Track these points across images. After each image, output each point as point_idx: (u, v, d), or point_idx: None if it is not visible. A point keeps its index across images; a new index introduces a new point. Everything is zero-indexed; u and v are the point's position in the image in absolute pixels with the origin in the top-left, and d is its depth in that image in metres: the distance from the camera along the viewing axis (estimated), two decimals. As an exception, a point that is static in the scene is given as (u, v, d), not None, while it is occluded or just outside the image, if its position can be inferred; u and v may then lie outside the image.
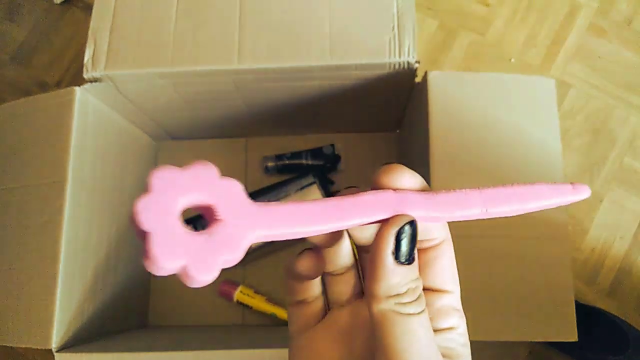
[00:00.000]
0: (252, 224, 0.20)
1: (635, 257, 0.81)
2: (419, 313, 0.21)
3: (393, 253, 0.21)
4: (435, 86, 0.57)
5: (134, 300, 0.78)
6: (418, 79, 0.62)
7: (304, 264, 0.24)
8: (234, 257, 0.19)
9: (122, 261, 0.73)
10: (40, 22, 0.99)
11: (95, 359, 0.54)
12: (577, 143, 0.85)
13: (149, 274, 0.81)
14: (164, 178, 0.19)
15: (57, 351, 0.55)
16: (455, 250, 0.52)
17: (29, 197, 0.59)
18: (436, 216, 0.22)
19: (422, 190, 0.23)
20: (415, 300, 0.21)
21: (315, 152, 0.84)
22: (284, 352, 0.53)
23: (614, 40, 0.89)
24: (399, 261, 0.21)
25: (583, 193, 0.23)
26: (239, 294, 0.77)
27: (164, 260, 0.18)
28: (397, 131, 0.85)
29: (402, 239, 0.21)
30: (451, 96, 0.57)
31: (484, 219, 0.23)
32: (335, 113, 0.77)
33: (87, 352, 0.55)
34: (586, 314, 0.64)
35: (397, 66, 0.59)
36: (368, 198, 0.21)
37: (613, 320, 0.71)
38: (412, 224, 0.21)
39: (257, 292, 0.78)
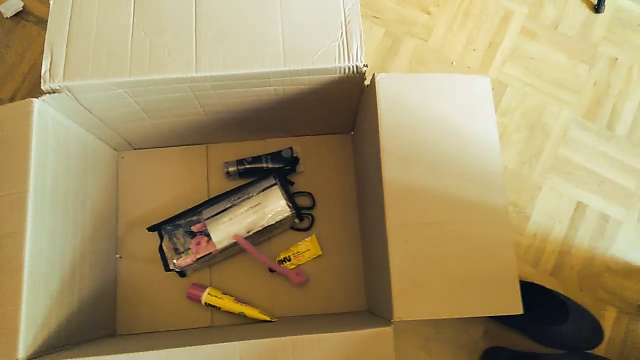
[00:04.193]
0: None
1: (573, 239, 0.88)
2: None
3: None
4: (382, 87, 0.62)
5: (101, 309, 0.78)
6: (367, 82, 0.67)
7: None
8: None
9: (88, 270, 0.73)
10: (-10, 37, 0.98)
11: (62, 366, 0.55)
12: (515, 137, 0.92)
13: (115, 282, 0.82)
14: None
15: (24, 361, 0.55)
16: (405, 237, 0.57)
17: (-10, 209, 0.60)
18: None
19: None
20: None
21: (275, 156, 0.87)
22: (253, 344, 0.55)
23: (544, 42, 0.97)
24: None
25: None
26: (207, 296, 0.79)
27: None
28: (351, 132, 0.89)
29: None
30: (398, 96, 0.62)
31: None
32: (292, 117, 0.80)
33: (55, 360, 0.55)
34: (530, 291, 0.70)
35: (346, 70, 0.63)
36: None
37: (553, 294, 0.77)
38: None
39: (225, 293, 0.80)
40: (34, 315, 0.58)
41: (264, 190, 0.80)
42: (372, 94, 0.63)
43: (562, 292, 0.80)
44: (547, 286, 0.79)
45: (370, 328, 0.56)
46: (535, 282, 0.81)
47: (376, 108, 0.61)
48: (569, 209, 0.90)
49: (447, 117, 0.62)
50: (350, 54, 0.62)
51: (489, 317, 0.83)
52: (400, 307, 0.56)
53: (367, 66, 0.63)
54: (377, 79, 0.62)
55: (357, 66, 0.63)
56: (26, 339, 0.56)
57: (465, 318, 0.83)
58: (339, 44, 0.63)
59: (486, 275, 0.58)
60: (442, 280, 0.57)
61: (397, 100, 0.62)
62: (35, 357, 0.57)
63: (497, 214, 0.60)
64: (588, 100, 0.94)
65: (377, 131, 0.61)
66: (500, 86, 0.94)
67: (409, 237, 0.58)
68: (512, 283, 0.58)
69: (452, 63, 0.96)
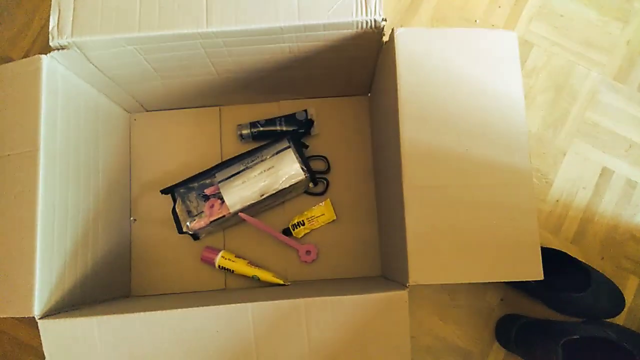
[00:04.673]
0: None
1: (597, 207, 0.85)
2: None
3: None
4: (401, 43, 0.59)
5: (116, 270, 0.78)
6: (386, 39, 0.63)
7: None
8: None
9: (102, 232, 0.73)
10: (0, -4, 0.96)
11: (77, 323, 0.55)
12: (540, 100, 0.88)
13: (129, 244, 0.82)
14: None
15: (39, 318, 0.55)
16: (422, 200, 0.55)
17: (2, 168, 0.59)
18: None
19: None
20: None
21: (289, 118, 0.84)
22: (265, 305, 0.55)
23: (574, -2, 0.91)
24: None
25: None
26: (220, 259, 0.79)
27: None
28: (368, 94, 0.86)
29: None
30: (418, 52, 0.59)
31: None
32: (306, 78, 0.78)
33: (70, 318, 0.56)
34: (551, 257, 0.68)
35: (364, 24, 0.60)
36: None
37: (575, 261, 0.75)
38: None
39: (238, 256, 0.80)
40: (48, 273, 0.58)
41: (277, 153, 0.79)
42: (390, 50, 0.60)
43: (583, 260, 0.78)
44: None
45: (385, 292, 0.55)
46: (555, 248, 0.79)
47: (395, 64, 0.58)
48: (593, 175, 0.86)
49: (470, 75, 0.58)
50: (368, 8, 0.59)
51: (505, 283, 0.82)
52: (416, 271, 0.54)
53: (385, 20, 0.60)
54: (396, 33, 0.59)
55: (375, 20, 0.59)
56: (41, 296, 0.56)
57: (482, 285, 0.82)
58: (356, -4, 0.59)
59: (506, 239, 0.56)
60: (459, 243, 0.55)
61: (417, 56, 0.58)
62: (50, 315, 0.57)
63: (519, 176, 0.57)
64: (619, 60, 0.89)
65: (396, 89, 0.58)
66: (526, 45, 0.89)
67: (427, 200, 0.56)
68: (532, 248, 0.56)
69: (476, 21, 0.91)
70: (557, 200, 0.85)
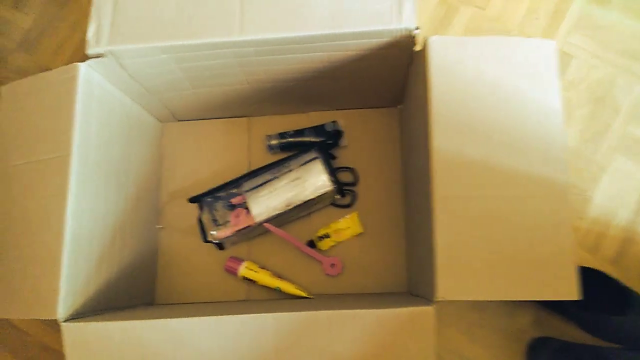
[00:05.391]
0: None
1: (639, 226, 0.80)
2: None
3: None
4: (435, 51, 0.57)
5: (141, 278, 0.79)
6: (418, 48, 0.62)
7: None
8: None
9: (129, 239, 0.74)
10: (46, 9, 1.00)
11: (99, 328, 0.56)
12: (578, 114, 0.84)
13: (156, 252, 0.83)
14: None
15: (63, 321, 0.56)
16: (452, 211, 0.53)
17: (34, 172, 0.61)
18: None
19: None
20: None
21: (318, 129, 0.84)
22: (287, 316, 0.54)
23: (616, 8, 0.88)
24: None
25: None
26: (244, 269, 0.78)
27: None
28: (398, 107, 0.85)
29: None
30: (451, 61, 0.57)
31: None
32: (336, 88, 0.77)
33: (91, 322, 0.56)
34: (588, 276, 0.64)
35: (397, 33, 0.59)
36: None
37: (614, 281, 0.70)
38: None
39: (262, 267, 0.79)
40: (74, 277, 0.59)
41: (305, 163, 0.78)
42: (423, 58, 0.59)
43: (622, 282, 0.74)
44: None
45: (411, 306, 0.53)
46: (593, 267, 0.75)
47: (427, 73, 0.57)
48: (635, 193, 0.82)
49: (505, 84, 0.56)
50: (402, 16, 0.58)
51: (538, 303, 0.78)
52: (444, 286, 0.52)
53: (419, 29, 0.59)
54: (429, 42, 0.58)
55: (408, 29, 0.58)
56: (65, 300, 0.56)
57: (513, 304, 0.78)
58: (390, 5, 0.59)
59: (540, 254, 0.53)
60: (490, 258, 0.53)
61: (451, 64, 0.57)
62: (74, 319, 0.58)
63: (555, 189, 0.54)
64: (664, 74, 0.85)
65: (427, 98, 0.56)
66: (564, 57, 0.86)
67: (457, 211, 0.54)
68: (568, 264, 0.53)
69: (511, 33, 0.89)
70: (596, 218, 0.81)
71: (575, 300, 0.51)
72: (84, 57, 0.62)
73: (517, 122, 0.56)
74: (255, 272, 0.78)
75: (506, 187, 0.54)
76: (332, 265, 0.79)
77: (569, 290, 0.52)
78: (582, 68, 0.86)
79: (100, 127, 0.66)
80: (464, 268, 0.53)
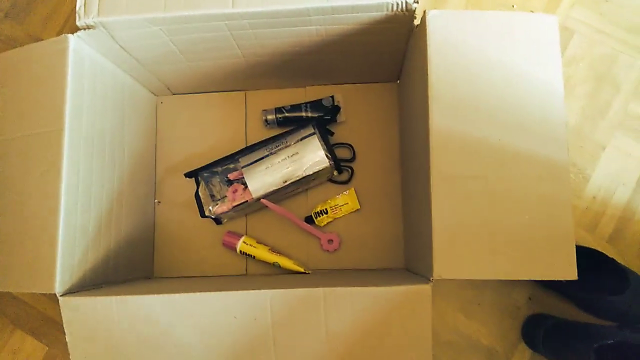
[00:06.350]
0: None
1: (638, 205, 0.80)
2: None
3: None
4: (434, 26, 0.56)
5: (138, 252, 0.79)
6: (417, 22, 0.61)
7: None
8: None
9: (126, 213, 0.74)
10: (34, -23, 0.97)
11: (97, 302, 0.56)
12: (580, 90, 0.83)
13: (153, 227, 0.83)
14: None
15: (60, 295, 0.56)
16: (450, 190, 0.52)
17: (27, 146, 0.60)
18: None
19: None
20: None
21: (315, 104, 0.83)
22: (284, 293, 0.54)
23: (622, -19, 0.86)
24: None
25: None
26: (242, 244, 0.78)
27: None
28: (397, 81, 0.84)
29: None
30: (450, 36, 0.56)
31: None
32: (334, 63, 0.76)
33: (90, 296, 0.56)
34: (585, 256, 0.64)
35: (394, 7, 0.57)
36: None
37: (612, 261, 0.71)
38: None
39: (260, 242, 0.79)
40: (71, 251, 0.59)
41: (302, 139, 0.77)
42: (421, 33, 0.57)
43: (619, 261, 0.74)
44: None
45: (408, 285, 0.53)
46: (590, 247, 0.75)
47: (426, 48, 0.55)
48: (635, 171, 0.81)
49: (505, 61, 0.55)
50: (399, -12, 0.56)
51: (534, 281, 0.78)
52: (441, 265, 0.52)
53: (417, 2, 0.57)
54: (428, 16, 0.56)
55: (406, 2, 0.57)
56: (63, 274, 0.56)
57: (509, 282, 0.79)
58: (387, -24, 0.57)
59: (538, 235, 0.53)
60: (488, 237, 0.53)
61: (450, 40, 0.55)
62: (72, 293, 0.58)
63: (555, 169, 0.54)
64: (669, 49, 0.84)
65: (426, 74, 0.55)
66: (566, 33, 0.84)
67: (455, 190, 0.53)
68: (567, 245, 0.53)
69: (513, 6, 0.86)
70: (594, 197, 0.81)
71: (573, 280, 0.51)
72: (75, 27, 0.61)
73: (518, 101, 0.55)
74: (254, 247, 0.78)
75: (505, 166, 0.54)
76: (330, 241, 0.79)
77: (568, 270, 0.52)
78: (584, 43, 0.84)
79: (93, 100, 0.65)
80: (462, 247, 0.53)
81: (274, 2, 0.58)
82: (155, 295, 0.56)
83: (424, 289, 0.53)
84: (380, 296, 0.53)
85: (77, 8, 0.60)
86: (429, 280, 0.53)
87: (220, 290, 0.56)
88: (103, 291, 0.60)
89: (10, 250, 0.58)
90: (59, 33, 0.94)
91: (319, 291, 0.53)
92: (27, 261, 0.57)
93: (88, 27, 0.61)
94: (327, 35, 0.66)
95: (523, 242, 0.53)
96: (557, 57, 0.56)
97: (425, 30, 0.56)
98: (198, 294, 0.55)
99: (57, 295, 0.56)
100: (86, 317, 0.55)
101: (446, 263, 0.52)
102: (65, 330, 0.55)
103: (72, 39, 0.60)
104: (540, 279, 0.72)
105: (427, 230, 0.54)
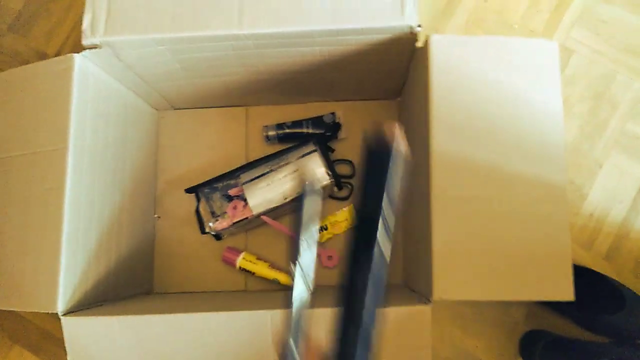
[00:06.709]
0: None
1: (634, 222, 0.81)
2: None
3: None
4: (436, 49, 0.57)
5: (139, 268, 0.79)
6: (420, 44, 0.62)
7: None
8: None
9: (126, 230, 0.74)
10: (37, -9, 0.98)
11: (99, 322, 0.56)
12: (578, 110, 0.84)
13: (153, 242, 0.83)
14: None
15: (62, 315, 0.56)
16: (450, 211, 0.53)
17: (31, 165, 0.60)
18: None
19: None
20: None
21: (316, 121, 0.83)
22: (284, 314, 0.54)
23: (619, 2, 0.87)
24: None
25: None
26: (242, 260, 0.79)
27: None
28: (398, 99, 0.84)
29: None
30: (453, 59, 0.57)
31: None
32: (335, 80, 0.76)
33: (92, 316, 0.56)
34: (582, 275, 0.65)
35: (398, 30, 0.58)
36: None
37: (608, 280, 0.72)
38: None
39: (259, 258, 0.80)
40: (73, 269, 0.59)
41: (303, 156, 0.78)
42: (424, 56, 0.58)
43: (615, 278, 0.75)
44: (600, 271, 0.74)
45: (408, 305, 0.54)
46: (587, 266, 0.76)
47: (428, 72, 0.56)
48: (631, 189, 0.82)
49: (506, 85, 0.56)
50: (403, 13, 0.57)
51: (533, 299, 0.79)
52: (441, 286, 0.53)
53: (421, 26, 0.58)
54: (431, 40, 0.57)
55: (410, 26, 0.58)
56: (65, 293, 0.57)
57: (508, 299, 0.80)
58: (391, 1, 0.58)
59: (536, 256, 0.54)
60: (488, 259, 0.53)
61: (452, 64, 0.56)
62: (73, 311, 0.58)
63: (554, 191, 0.55)
64: (664, 70, 0.85)
65: (427, 96, 0.56)
66: (565, 52, 0.86)
67: (455, 211, 0.54)
68: (564, 266, 0.53)
69: (514, 26, 0.88)
70: (591, 214, 0.82)
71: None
72: (78, 41, 0.61)
73: (518, 123, 0.56)
74: (254, 263, 0.78)
75: (504, 187, 0.54)
76: (329, 257, 0.80)
77: (565, 291, 0.53)
78: (583, 63, 0.86)
79: (96, 117, 0.65)
80: (461, 268, 0.53)
81: (280, 23, 0.59)
82: (157, 315, 0.56)
83: (424, 310, 0.53)
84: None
85: (83, 27, 0.61)
86: (429, 300, 0.53)
87: (221, 309, 0.56)
88: (104, 310, 0.60)
89: (13, 268, 0.59)
90: (62, 46, 0.95)
91: (320, 312, 0.54)
92: (29, 280, 0.57)
93: (94, 47, 0.61)
94: (330, 55, 0.67)
95: (522, 263, 0.54)
96: (557, 82, 0.57)
97: (427, 53, 0.57)
98: (200, 314, 0.56)
99: (59, 314, 0.56)
100: (88, 336, 0.56)
101: (446, 284, 0.53)
102: (67, 350, 0.55)
103: (78, 58, 0.61)
104: (538, 300, 0.72)
105: (427, 250, 0.55)
